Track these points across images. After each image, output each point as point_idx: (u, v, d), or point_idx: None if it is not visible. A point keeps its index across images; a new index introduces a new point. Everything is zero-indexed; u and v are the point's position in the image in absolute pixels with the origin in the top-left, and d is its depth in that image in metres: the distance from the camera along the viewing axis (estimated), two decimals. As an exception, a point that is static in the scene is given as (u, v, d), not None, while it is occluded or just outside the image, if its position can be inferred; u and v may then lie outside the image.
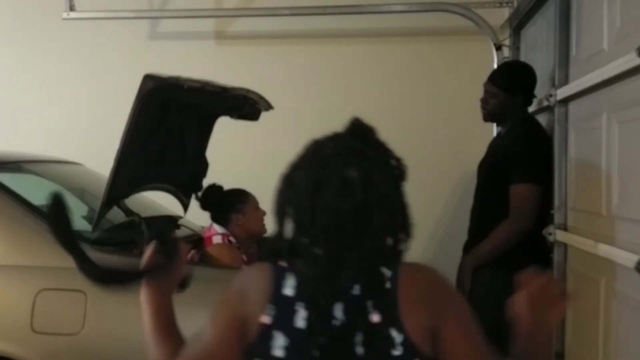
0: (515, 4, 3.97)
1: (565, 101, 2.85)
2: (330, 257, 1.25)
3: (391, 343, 1.23)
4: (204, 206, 3.20)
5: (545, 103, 2.96)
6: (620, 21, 2.34)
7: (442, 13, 4.12)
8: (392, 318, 1.24)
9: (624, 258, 2.12)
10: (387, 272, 1.28)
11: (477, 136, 4.28)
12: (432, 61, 4.41)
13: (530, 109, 3.38)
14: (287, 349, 1.24)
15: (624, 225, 2.24)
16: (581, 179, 2.70)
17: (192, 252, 3.09)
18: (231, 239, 3.06)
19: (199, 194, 3.28)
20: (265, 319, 1.26)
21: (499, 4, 4.13)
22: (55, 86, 4.84)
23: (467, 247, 3.06)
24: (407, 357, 1.23)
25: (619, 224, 2.27)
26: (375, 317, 1.24)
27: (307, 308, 1.25)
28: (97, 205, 2.66)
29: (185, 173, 3.27)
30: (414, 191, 4.61)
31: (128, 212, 2.72)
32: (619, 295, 2.26)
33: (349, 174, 1.27)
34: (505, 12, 4.13)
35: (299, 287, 1.27)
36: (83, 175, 3.56)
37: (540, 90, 3.16)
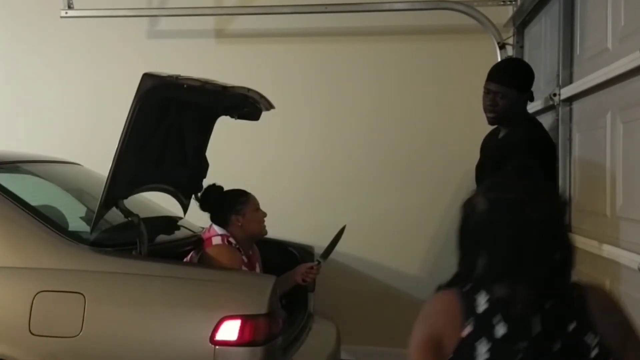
0: (519, 2, 3.94)
1: (569, 100, 2.83)
2: (531, 286, 1.45)
3: (587, 347, 1.41)
4: (204, 207, 3.18)
5: (549, 102, 2.93)
6: (624, 20, 2.32)
7: (445, 11, 4.09)
8: (587, 324, 1.43)
9: (629, 259, 2.11)
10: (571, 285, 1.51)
11: (480, 135, 4.26)
12: (435, 60, 4.39)
13: (534, 108, 3.36)
14: (490, 357, 1.43)
15: (628, 226, 2.22)
16: (585, 180, 2.68)
17: (192, 254, 3.08)
18: (231, 239, 3.04)
19: (199, 194, 3.26)
20: (465, 333, 1.46)
21: (502, 2, 4.10)
22: (53, 85, 4.82)
23: None
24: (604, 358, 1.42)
25: (624, 225, 2.25)
26: (572, 325, 1.43)
27: (505, 321, 1.43)
28: (96, 205, 2.64)
29: (184, 173, 3.25)
30: (415, 190, 4.61)
31: (127, 212, 2.69)
32: (623, 296, 2.23)
33: (540, 214, 1.47)
34: (509, 11, 4.10)
35: (492, 304, 1.46)
36: (81, 175, 3.54)
37: (544, 89, 3.14)
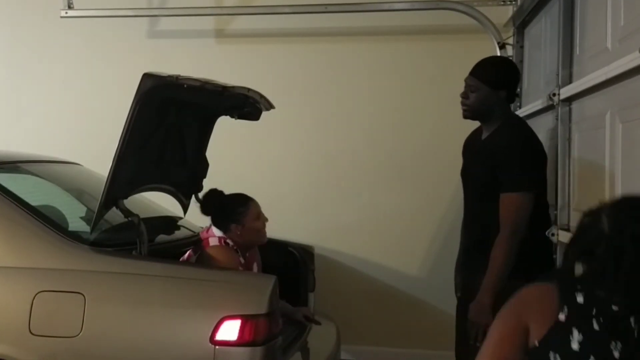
0: (519, 2, 3.94)
1: (569, 100, 2.83)
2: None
3: None
4: (204, 211, 3.17)
5: (549, 102, 2.93)
6: (624, 20, 2.33)
7: (445, 11, 4.09)
8: None
9: (629, 260, 2.09)
10: None
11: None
12: (435, 60, 4.39)
13: (533, 108, 3.36)
14: (582, 344, 1.44)
15: (628, 226, 2.21)
16: (584, 179, 2.68)
17: (189, 252, 3.08)
18: (228, 241, 3.04)
19: (200, 195, 3.25)
20: (562, 317, 1.47)
21: (502, 2, 4.10)
22: (53, 85, 4.82)
23: (466, 265, 2.94)
24: None
25: (623, 225, 2.24)
26: None
27: (602, 316, 1.45)
28: (96, 205, 2.64)
29: (184, 173, 3.25)
30: (416, 191, 4.60)
31: (127, 212, 2.69)
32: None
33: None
34: (509, 10, 4.10)
35: (590, 299, 1.48)
36: (81, 175, 3.54)
37: (544, 89, 3.14)
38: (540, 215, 2.78)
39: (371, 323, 4.38)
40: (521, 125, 2.87)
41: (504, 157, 2.69)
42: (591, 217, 1.55)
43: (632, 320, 1.44)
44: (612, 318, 1.45)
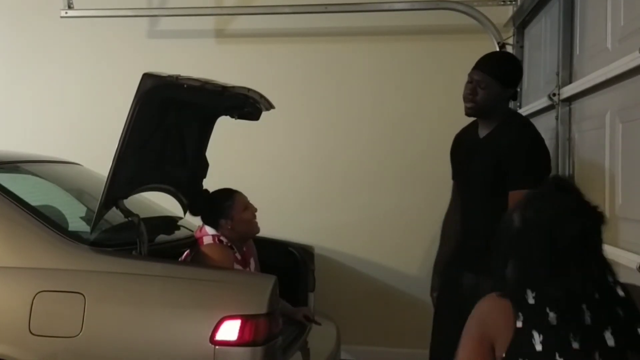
0: (519, 2, 3.94)
1: (569, 100, 2.83)
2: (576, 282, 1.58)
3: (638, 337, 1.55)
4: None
5: (549, 102, 2.93)
6: (624, 20, 2.33)
7: (445, 11, 4.09)
8: (635, 315, 1.58)
9: (628, 259, 2.10)
10: None
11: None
12: (435, 60, 4.39)
13: (533, 108, 3.36)
14: (544, 343, 1.51)
15: (627, 226, 2.22)
16: (584, 179, 2.68)
17: (186, 253, 3.08)
18: (222, 238, 3.04)
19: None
20: (520, 324, 1.53)
21: (502, 2, 4.10)
22: (53, 85, 4.82)
23: (471, 265, 2.73)
24: None
25: (623, 225, 2.25)
26: (620, 315, 1.55)
27: (555, 311, 1.52)
28: (96, 205, 2.64)
29: (184, 173, 3.24)
30: (416, 190, 4.60)
31: (127, 212, 2.69)
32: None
33: (579, 227, 1.61)
34: (509, 10, 4.10)
35: (541, 297, 1.55)
36: (81, 175, 3.54)
37: (544, 89, 3.14)
38: None
39: (371, 323, 4.38)
40: (527, 122, 2.81)
41: (512, 154, 2.60)
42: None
43: (584, 306, 1.51)
44: (563, 309, 1.51)
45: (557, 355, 1.49)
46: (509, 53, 2.89)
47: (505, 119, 2.73)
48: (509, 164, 2.60)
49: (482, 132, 2.77)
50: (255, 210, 3.14)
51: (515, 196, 2.54)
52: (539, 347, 1.50)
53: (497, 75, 2.66)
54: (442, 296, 2.97)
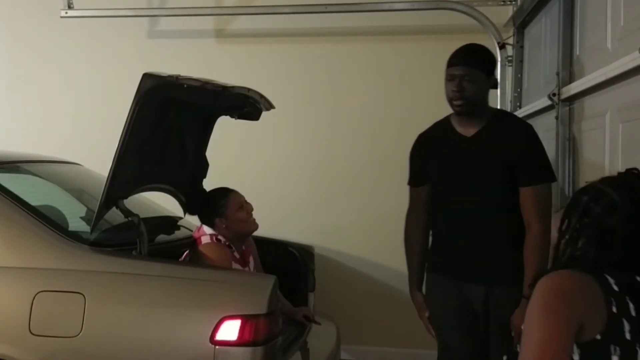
0: (519, 2, 3.94)
1: (569, 100, 2.83)
2: None
3: None
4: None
5: (549, 102, 2.93)
6: (623, 20, 2.33)
7: (445, 11, 4.09)
8: None
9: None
10: None
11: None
12: (435, 60, 4.36)
13: (533, 108, 3.36)
14: (631, 333, 1.45)
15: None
16: (584, 179, 2.68)
17: (186, 253, 3.08)
18: (220, 237, 3.04)
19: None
20: (614, 309, 1.46)
21: (502, 2, 4.10)
22: (53, 85, 4.83)
23: (484, 269, 2.58)
24: None
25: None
26: None
27: (634, 302, 1.48)
28: (96, 205, 2.64)
29: (184, 173, 3.24)
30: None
31: (127, 212, 2.69)
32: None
33: None
34: (509, 10, 4.10)
35: (620, 286, 1.49)
36: (81, 175, 3.54)
37: (544, 89, 3.14)
38: None
39: (371, 323, 4.38)
40: (518, 117, 2.76)
41: (527, 149, 2.52)
42: (600, 201, 1.54)
43: None
44: (636, 301, 1.47)
45: (638, 345, 1.45)
46: (475, 43, 2.77)
47: (494, 114, 2.67)
48: (524, 159, 2.51)
49: (469, 130, 2.64)
50: (251, 209, 3.12)
51: (536, 192, 2.50)
52: (628, 336, 1.45)
53: (478, 64, 2.58)
54: (445, 315, 2.73)
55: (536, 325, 1.45)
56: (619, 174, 1.62)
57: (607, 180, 1.60)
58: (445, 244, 2.76)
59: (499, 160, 2.54)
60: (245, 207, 3.11)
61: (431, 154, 2.78)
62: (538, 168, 2.53)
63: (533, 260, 2.47)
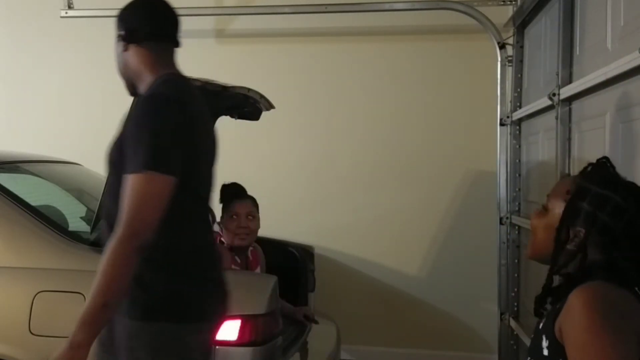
0: (519, 2, 3.94)
1: (569, 100, 2.82)
2: None
3: None
4: None
5: (549, 102, 2.93)
6: (624, 20, 2.32)
7: (445, 11, 4.08)
8: None
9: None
10: None
11: (480, 134, 4.26)
12: (435, 59, 4.39)
13: (533, 108, 3.36)
14: None
15: (628, 226, 2.20)
16: (585, 179, 2.67)
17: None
18: (222, 239, 3.03)
19: None
20: None
21: (502, 2, 4.09)
22: (53, 85, 4.82)
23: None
24: None
25: (623, 225, 2.24)
26: None
27: None
28: (96, 205, 2.64)
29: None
30: (415, 190, 4.60)
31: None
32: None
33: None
34: (509, 10, 4.10)
35: None
36: (81, 175, 3.54)
37: (544, 89, 3.13)
38: None
39: (371, 323, 4.38)
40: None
41: None
42: (611, 205, 1.43)
43: None
44: None
45: None
46: None
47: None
48: None
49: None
50: (246, 224, 2.99)
51: None
52: None
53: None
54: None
55: (599, 346, 1.27)
56: (593, 166, 1.53)
57: (589, 178, 1.50)
58: None
59: None
60: (237, 219, 3.00)
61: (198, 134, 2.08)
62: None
63: None
